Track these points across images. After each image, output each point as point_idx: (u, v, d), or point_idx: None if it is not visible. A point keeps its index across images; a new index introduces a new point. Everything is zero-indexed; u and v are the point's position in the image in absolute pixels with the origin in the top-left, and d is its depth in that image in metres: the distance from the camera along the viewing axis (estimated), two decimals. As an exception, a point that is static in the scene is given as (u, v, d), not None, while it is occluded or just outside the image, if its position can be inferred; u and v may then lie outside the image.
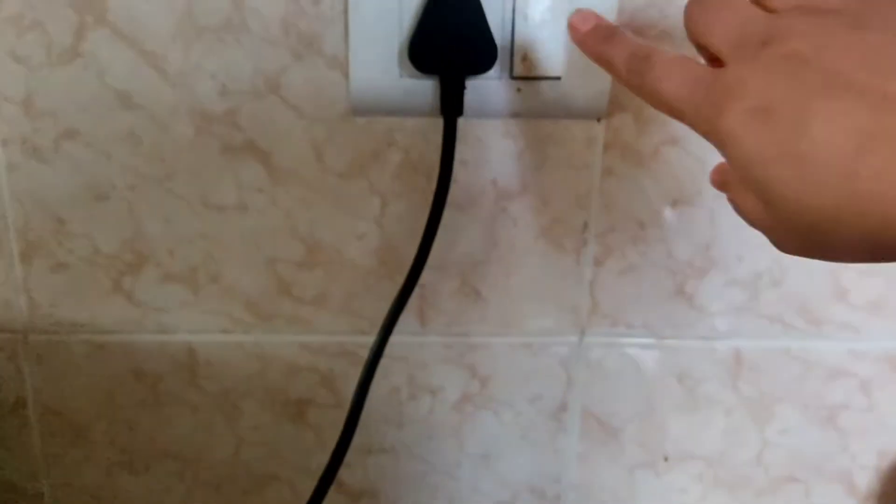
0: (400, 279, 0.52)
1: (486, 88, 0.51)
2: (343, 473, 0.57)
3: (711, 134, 0.33)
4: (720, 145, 0.33)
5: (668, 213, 0.56)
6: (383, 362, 0.54)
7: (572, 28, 0.44)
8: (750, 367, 0.60)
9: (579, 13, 0.44)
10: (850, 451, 0.63)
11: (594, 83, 0.51)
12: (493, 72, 0.50)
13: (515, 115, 0.53)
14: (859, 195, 0.28)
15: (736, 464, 0.63)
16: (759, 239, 0.55)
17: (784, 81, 0.31)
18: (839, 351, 0.60)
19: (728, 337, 0.59)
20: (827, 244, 0.31)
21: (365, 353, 0.54)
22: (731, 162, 0.32)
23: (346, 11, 0.50)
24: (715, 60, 0.35)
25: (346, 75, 0.51)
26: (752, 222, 0.35)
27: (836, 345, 0.60)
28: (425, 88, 0.51)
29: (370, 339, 0.54)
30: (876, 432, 0.63)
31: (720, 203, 0.55)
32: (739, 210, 0.35)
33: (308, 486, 0.55)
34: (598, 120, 0.53)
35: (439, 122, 0.50)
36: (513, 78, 0.51)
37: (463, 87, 0.49)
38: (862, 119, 0.28)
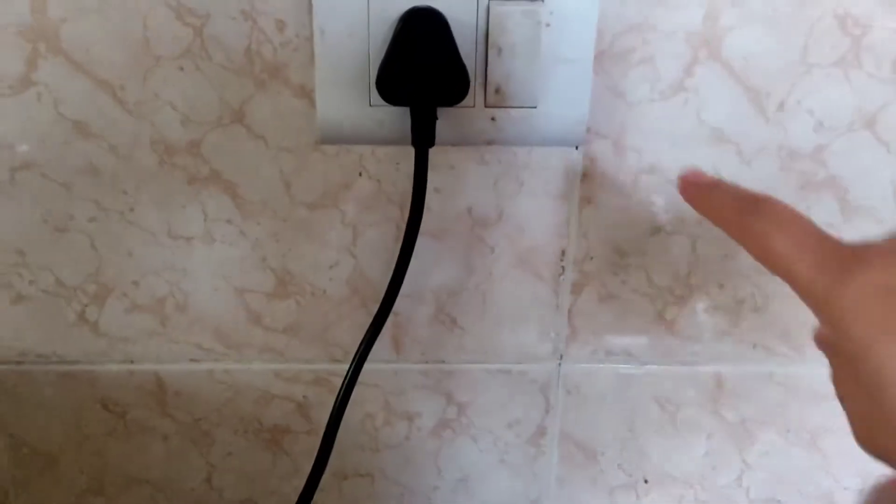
0: (374, 308, 0.51)
1: (459, 117, 0.49)
2: (319, 498, 0.56)
3: (825, 302, 0.30)
4: (833, 316, 0.30)
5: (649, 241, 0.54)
6: (358, 389, 0.53)
7: (682, 182, 0.40)
8: (731, 392, 0.59)
9: (686, 172, 0.40)
10: (832, 473, 0.62)
11: (571, 112, 0.49)
12: (466, 100, 0.48)
13: (490, 142, 0.51)
14: None
15: (716, 486, 0.62)
16: (739, 267, 0.55)
17: None
18: (822, 375, 0.58)
19: (709, 362, 0.58)
20: None
21: (339, 382, 0.53)
22: (843, 334, 0.30)
23: (311, 39, 0.48)
24: None
25: (314, 104, 0.49)
26: (842, 397, 0.33)
27: (820, 369, 0.58)
28: (396, 117, 0.49)
29: (345, 367, 0.52)
30: (858, 454, 0.61)
31: (701, 231, 0.54)
32: (833, 377, 0.34)
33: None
34: (577, 148, 0.51)
35: (411, 150, 0.48)
36: (487, 107, 0.49)
37: (434, 118, 0.47)
38: None
